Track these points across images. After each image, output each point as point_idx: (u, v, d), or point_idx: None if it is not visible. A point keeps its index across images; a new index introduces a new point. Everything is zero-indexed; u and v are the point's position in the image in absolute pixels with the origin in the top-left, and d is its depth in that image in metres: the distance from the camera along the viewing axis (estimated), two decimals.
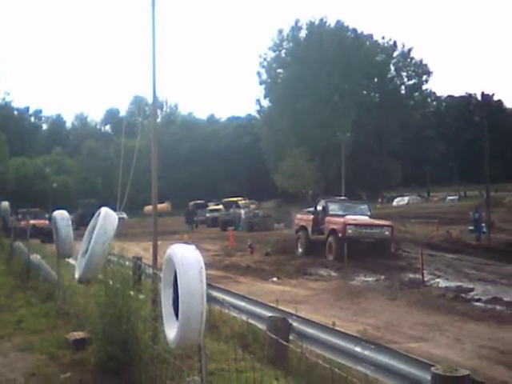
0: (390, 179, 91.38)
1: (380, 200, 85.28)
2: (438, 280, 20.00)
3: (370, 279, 20.71)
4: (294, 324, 8.82)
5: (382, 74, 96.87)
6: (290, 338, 8.60)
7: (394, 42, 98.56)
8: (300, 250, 27.77)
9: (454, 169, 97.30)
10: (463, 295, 16.94)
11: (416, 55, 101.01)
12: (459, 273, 21.73)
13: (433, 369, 5.67)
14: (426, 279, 19.59)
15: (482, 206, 37.52)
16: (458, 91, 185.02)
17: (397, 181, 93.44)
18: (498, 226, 34.81)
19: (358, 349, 7.38)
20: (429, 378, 5.73)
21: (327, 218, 26.47)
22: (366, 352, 7.17)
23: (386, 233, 25.27)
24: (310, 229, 27.64)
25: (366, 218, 26.40)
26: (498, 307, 15.05)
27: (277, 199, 52.89)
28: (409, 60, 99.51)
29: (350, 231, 24.75)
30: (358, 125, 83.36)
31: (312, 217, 27.99)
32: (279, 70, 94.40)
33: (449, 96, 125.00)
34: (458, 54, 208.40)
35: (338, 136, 77.81)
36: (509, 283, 18.95)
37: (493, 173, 38.87)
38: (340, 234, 24.77)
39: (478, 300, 16.19)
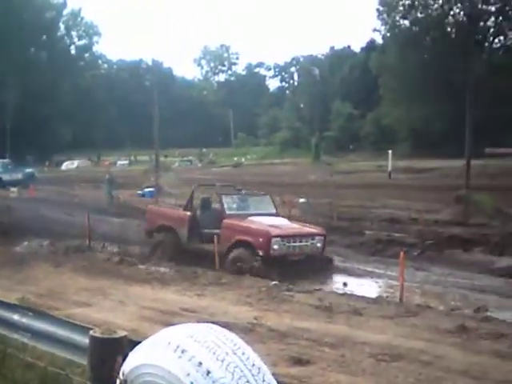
0: (60, 142, 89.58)
1: (47, 163, 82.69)
2: (105, 244, 20.06)
3: (34, 245, 20.11)
4: None
5: (52, 32, 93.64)
6: None
7: (65, 0, 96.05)
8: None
9: (124, 133, 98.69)
10: (128, 259, 17.28)
11: (87, 17, 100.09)
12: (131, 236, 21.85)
13: (91, 332, 5.75)
14: (92, 244, 19.54)
15: (152, 170, 38.84)
16: (130, 57, 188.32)
17: (67, 144, 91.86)
18: (166, 190, 36.08)
19: (16, 317, 7.17)
20: (88, 341, 5.80)
21: (227, 222, 17.19)
22: (24, 320, 7.00)
23: (318, 245, 17.23)
24: (183, 232, 18.10)
25: (286, 221, 18.19)
26: (162, 269, 15.74)
27: None
28: (79, 19, 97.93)
29: (275, 247, 16.28)
30: (26, 83, 79.73)
31: (188, 214, 18.33)
32: None
33: (120, 60, 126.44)
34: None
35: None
36: None
37: (162, 138, 40.40)
38: (261, 252, 16.18)
39: (143, 263, 16.72)
